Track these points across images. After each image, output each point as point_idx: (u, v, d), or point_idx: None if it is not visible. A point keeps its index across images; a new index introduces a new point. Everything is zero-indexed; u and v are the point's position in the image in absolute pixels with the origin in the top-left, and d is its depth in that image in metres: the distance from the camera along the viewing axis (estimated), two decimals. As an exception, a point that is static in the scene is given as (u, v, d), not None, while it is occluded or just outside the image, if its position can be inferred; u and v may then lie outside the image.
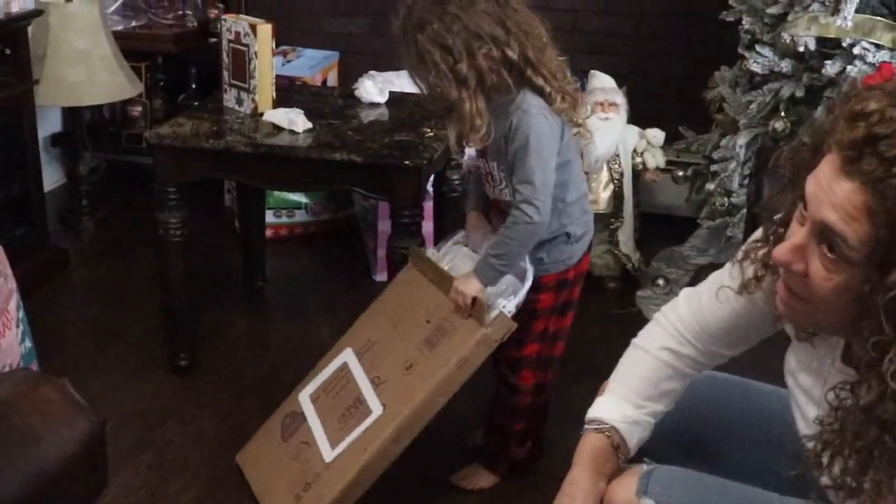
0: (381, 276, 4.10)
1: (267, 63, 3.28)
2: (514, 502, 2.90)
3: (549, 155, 2.53)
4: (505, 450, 2.91)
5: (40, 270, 4.00)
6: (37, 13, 3.96)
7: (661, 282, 4.18)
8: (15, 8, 3.79)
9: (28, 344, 3.22)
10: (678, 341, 1.92)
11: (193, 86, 4.88)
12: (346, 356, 2.85)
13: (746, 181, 3.86)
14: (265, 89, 3.29)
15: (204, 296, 3.78)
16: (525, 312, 2.69)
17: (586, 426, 1.90)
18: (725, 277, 1.85)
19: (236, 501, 2.85)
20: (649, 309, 3.99)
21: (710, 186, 3.93)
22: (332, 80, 4.77)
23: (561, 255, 2.71)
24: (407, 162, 3.00)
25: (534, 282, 2.68)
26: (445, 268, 2.74)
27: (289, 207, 4.43)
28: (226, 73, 3.41)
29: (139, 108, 4.85)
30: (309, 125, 3.17)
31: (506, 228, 2.57)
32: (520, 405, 2.85)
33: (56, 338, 3.62)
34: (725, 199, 3.88)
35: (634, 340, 2.01)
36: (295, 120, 3.17)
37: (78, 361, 3.50)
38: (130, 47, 4.53)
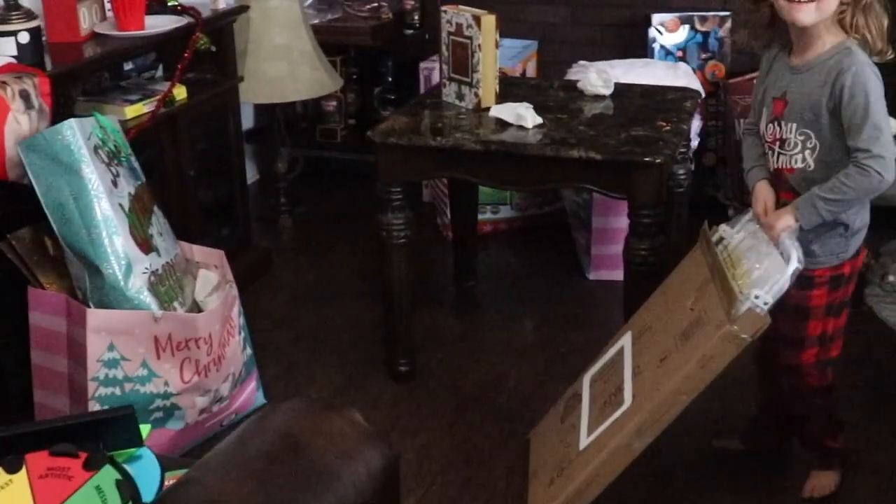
0: (594, 275, 3.93)
1: (491, 56, 3.12)
2: None
3: (883, 109, 2.37)
4: (824, 445, 2.76)
5: (246, 272, 3.92)
6: (242, 9, 3.88)
7: (892, 278, 3.89)
8: (222, 4, 3.71)
9: (248, 351, 3.14)
10: None
11: (390, 79, 4.75)
12: (625, 340, 2.75)
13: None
14: (489, 83, 3.14)
15: (413, 298, 3.65)
16: (798, 313, 2.52)
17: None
18: None
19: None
20: (881, 307, 3.72)
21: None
22: (531, 70, 4.60)
23: (836, 248, 2.51)
24: (647, 158, 2.81)
25: (805, 277, 2.47)
26: (737, 244, 2.55)
27: (493, 203, 4.28)
28: (445, 67, 3.26)
29: (334, 103, 4.75)
30: (539, 120, 3.01)
31: (847, 177, 2.37)
32: (811, 407, 2.69)
33: (268, 342, 3.53)
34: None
35: None
36: (524, 115, 3.00)
37: (293, 367, 3.42)
38: (326, 41, 4.42)
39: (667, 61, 4.24)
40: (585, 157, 2.83)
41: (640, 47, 4.49)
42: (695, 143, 3.94)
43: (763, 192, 2.56)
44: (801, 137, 2.44)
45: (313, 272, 4.11)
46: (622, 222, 3.83)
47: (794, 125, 2.44)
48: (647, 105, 3.20)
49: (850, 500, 2.76)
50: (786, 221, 2.44)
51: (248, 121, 4.84)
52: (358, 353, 3.48)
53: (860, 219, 2.50)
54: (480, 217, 4.24)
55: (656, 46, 4.42)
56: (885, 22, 2.39)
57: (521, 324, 3.67)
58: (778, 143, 2.49)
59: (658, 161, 2.80)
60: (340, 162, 4.88)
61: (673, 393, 2.40)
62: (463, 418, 3.13)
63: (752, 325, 2.33)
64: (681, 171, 3.41)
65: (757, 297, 2.34)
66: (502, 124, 3.04)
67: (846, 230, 2.49)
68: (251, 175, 4.90)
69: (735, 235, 2.56)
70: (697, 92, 3.41)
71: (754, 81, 3.76)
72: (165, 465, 1.81)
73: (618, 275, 3.80)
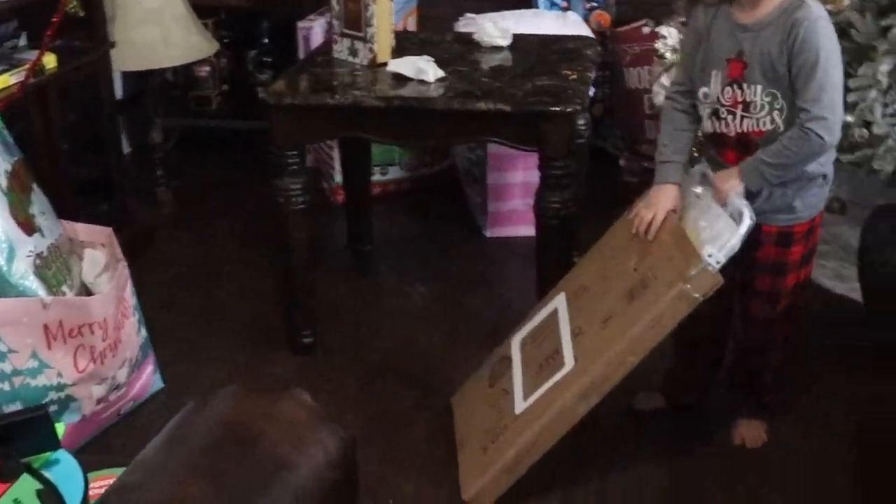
0: (492, 232, 3.84)
1: (386, 8, 2.98)
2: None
3: (840, 71, 2.31)
4: (774, 397, 2.75)
5: (127, 249, 3.67)
6: (109, -31, 3.65)
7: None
8: (86, -36, 3.47)
9: (144, 333, 2.96)
10: None
11: (265, 41, 4.55)
12: (558, 301, 2.66)
13: (888, 109, 3.56)
14: (384, 38, 2.99)
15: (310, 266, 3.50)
16: (779, 270, 2.50)
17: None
18: None
19: (400, 496, 2.58)
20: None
21: (848, 118, 3.62)
22: (412, 26, 4.46)
23: (815, 201, 2.48)
24: (558, 108, 2.71)
25: (785, 234, 2.45)
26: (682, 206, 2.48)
27: (382, 164, 4.13)
28: (336, 23, 3.10)
29: (207, 69, 4.54)
30: (441, 73, 2.88)
31: (790, 140, 2.30)
32: (772, 360, 2.67)
33: (159, 323, 3.32)
34: (865, 130, 3.58)
35: None
36: (424, 69, 2.87)
37: (189, 348, 3.23)
38: (196, 3, 4.19)
39: (555, 11, 4.14)
40: (494, 109, 2.71)
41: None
42: (590, 93, 3.86)
43: (669, 198, 2.49)
44: (768, 98, 2.34)
45: (198, 246, 3.92)
46: (517, 177, 3.76)
47: (759, 87, 2.34)
48: (549, 55, 3.10)
49: (779, 449, 2.72)
50: (732, 184, 2.38)
51: (117, 90, 4.58)
52: (255, 327, 3.32)
53: (832, 166, 2.46)
54: (369, 179, 4.11)
55: (540, -2, 4.32)
56: None
57: (423, 287, 3.55)
58: (741, 106, 2.38)
59: (569, 110, 2.70)
60: (217, 130, 4.66)
61: (621, 353, 2.34)
62: (373, 389, 3.00)
63: (705, 283, 2.29)
64: (581, 122, 3.32)
65: (710, 256, 2.30)
66: (400, 79, 2.90)
67: (824, 179, 2.45)
68: (124, 147, 4.65)
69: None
70: (595, 39, 3.33)
71: (643, 31, 3.69)
72: (85, 465, 1.65)
73: (516, 231, 3.76)
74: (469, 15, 3.85)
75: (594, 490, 2.59)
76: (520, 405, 2.49)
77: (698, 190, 2.48)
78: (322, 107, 2.81)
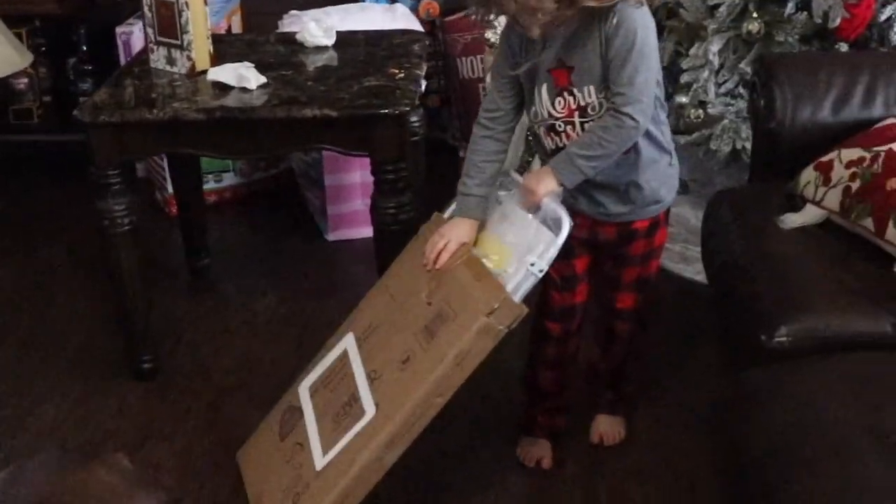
0: (334, 235, 3.74)
1: (201, 13, 2.85)
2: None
3: (654, 52, 2.22)
4: (631, 388, 2.73)
5: (-52, 280, 3.51)
6: None
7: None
8: None
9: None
10: None
11: (84, 48, 4.34)
12: (347, 342, 2.47)
13: (721, 89, 3.58)
14: (201, 44, 2.86)
15: (144, 286, 3.33)
16: (647, 259, 2.48)
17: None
18: None
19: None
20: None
21: (683, 99, 3.63)
22: (237, 25, 4.31)
23: (673, 182, 2.43)
24: (387, 110, 2.62)
25: (654, 223, 2.41)
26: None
27: (215, 171, 3.98)
28: (150, 31, 2.95)
29: (25, 80, 4.30)
30: (263, 80, 2.77)
31: (604, 129, 2.19)
32: (631, 333, 2.62)
33: (-15, 361, 3.15)
34: (700, 110, 3.60)
35: None
36: (245, 75, 2.75)
37: (21, 385, 3.03)
38: (6, 12, 3.97)
39: (382, 4, 4.04)
40: (320, 115, 2.61)
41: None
42: (423, 85, 3.78)
43: (464, 232, 2.34)
44: (602, 94, 2.22)
45: (26, 273, 3.70)
46: (356, 178, 3.68)
47: (592, 87, 2.22)
48: (375, 52, 3.02)
49: (637, 444, 2.70)
50: (548, 185, 2.24)
51: (-71, 110, 4.34)
52: (93, 356, 3.15)
53: (672, 142, 2.41)
54: (204, 187, 3.96)
55: (365, -11, 4.22)
56: None
57: (265, 298, 3.42)
58: (578, 112, 2.26)
59: (398, 112, 2.62)
60: (41, 144, 4.43)
61: (426, 396, 2.19)
62: (222, 411, 2.88)
63: (509, 314, 2.17)
64: (414, 119, 3.24)
65: (532, 265, 2.22)
66: (223, 88, 2.77)
67: (671, 158, 2.39)
68: (-60, 170, 4.41)
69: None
70: (422, 33, 3.26)
71: (472, 19, 3.56)
72: None
73: (358, 232, 3.67)
74: (293, 12, 3.74)
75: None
76: (319, 461, 2.31)
77: (500, 194, 2.38)
78: (141, 122, 2.67)
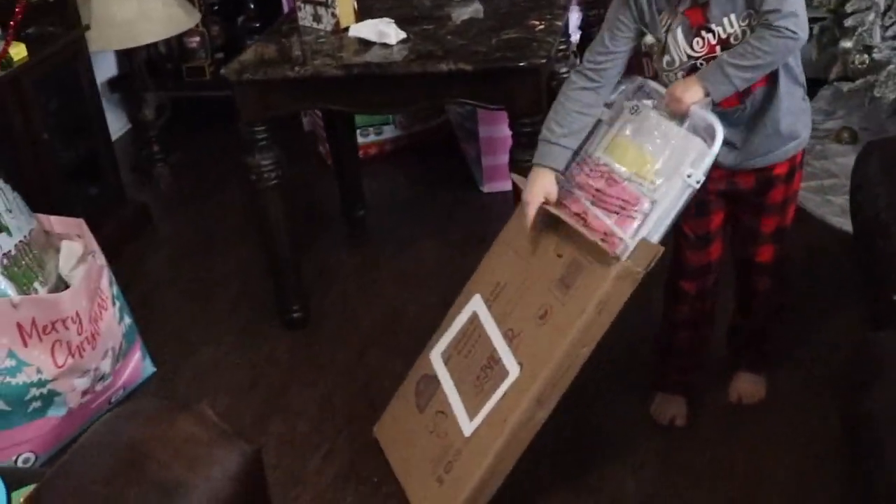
0: (489, 187, 3.75)
1: (345, -30, 2.88)
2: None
3: None
4: (772, 346, 2.67)
5: (123, 230, 3.69)
6: (78, -51, 3.58)
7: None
8: (53, -54, 3.41)
9: (127, 320, 2.92)
10: None
11: (252, 5, 4.47)
12: (475, 304, 2.44)
13: (888, 32, 3.42)
14: (345, 1, 2.90)
15: (302, 236, 3.44)
16: (783, 207, 2.40)
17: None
18: None
19: (382, 477, 2.51)
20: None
21: (847, 44, 3.49)
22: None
23: (806, 117, 2.35)
24: (523, 63, 2.61)
25: (792, 166, 2.34)
26: (620, 138, 2.27)
27: (376, 124, 4.06)
28: (293, -11, 3.02)
29: (197, 39, 4.47)
30: (402, 35, 2.79)
31: (759, 40, 2.11)
32: (773, 288, 2.54)
33: (153, 304, 3.32)
34: (866, 55, 3.44)
35: None
36: (386, 31, 2.78)
37: (182, 329, 3.20)
38: (178, -27, 4.12)
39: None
40: (455, 69, 2.62)
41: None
42: (576, 36, 3.74)
43: (543, 188, 2.28)
44: (746, 22, 2.15)
45: (196, 222, 3.88)
46: (509, 130, 3.65)
47: (733, 16, 2.15)
48: (518, 4, 3.00)
49: (775, 406, 2.64)
50: (695, 93, 2.16)
51: (111, 69, 4.55)
52: (249, 304, 3.28)
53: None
54: (364, 140, 4.05)
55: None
56: None
57: (417, 250, 3.48)
58: (720, 45, 2.18)
59: (534, 65, 2.60)
60: (213, 100, 4.58)
61: (571, 348, 2.15)
62: (363, 361, 2.95)
63: (646, 256, 2.12)
64: (563, 70, 3.22)
65: (689, 176, 2.14)
66: (365, 44, 2.81)
67: (804, 92, 2.31)
68: (122, 125, 4.63)
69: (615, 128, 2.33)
70: (570, -17, 3.20)
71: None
72: (12, 481, 1.62)
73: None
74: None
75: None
76: (467, 426, 2.27)
77: (637, 103, 2.29)
78: (283, 80, 2.73)
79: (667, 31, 2.23)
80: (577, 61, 3.67)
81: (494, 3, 3.03)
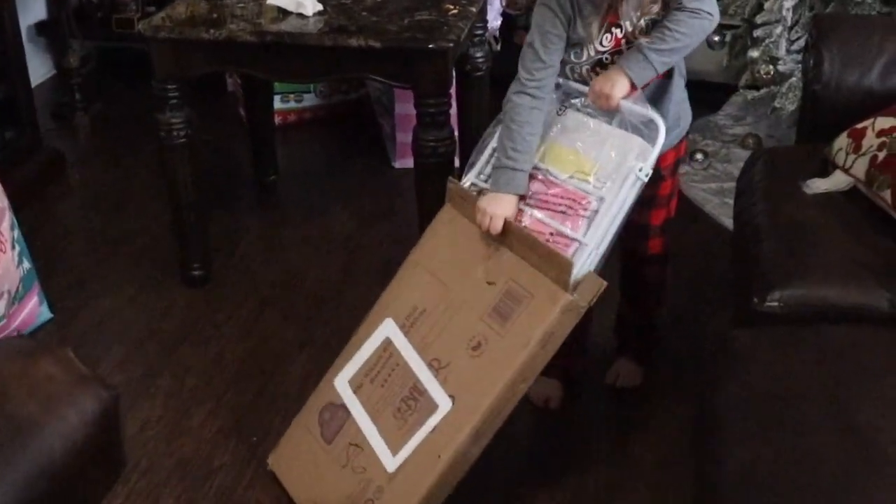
0: (400, 163, 3.83)
1: (269, -61, 2.93)
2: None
3: None
4: (655, 336, 2.77)
5: (35, 176, 3.71)
6: None
7: (699, 156, 3.88)
8: None
9: (26, 265, 2.96)
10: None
11: (185, -38, 4.49)
12: (388, 329, 2.30)
13: (794, 46, 3.54)
14: (269, -31, 2.95)
15: (212, 196, 3.49)
16: (670, 198, 2.49)
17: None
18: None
19: (264, 434, 2.59)
20: (689, 186, 3.72)
21: (754, 54, 3.61)
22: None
23: (686, 105, 2.44)
24: (431, 45, 2.68)
25: (678, 155, 2.43)
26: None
27: (297, 91, 4.12)
28: (222, -48, 3.05)
29: (128, -9, 4.48)
30: (319, 7, 2.85)
31: (679, 23, 2.18)
32: (660, 278, 2.64)
33: (57, 252, 3.36)
34: (771, 66, 3.57)
35: None
36: (303, 2, 2.84)
37: (83, 278, 3.24)
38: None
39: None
40: (365, 45, 2.68)
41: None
42: (496, 23, 3.82)
43: (510, 207, 2.24)
44: (649, 18, 2.24)
45: (111, 173, 3.92)
46: (427, 108, 3.72)
47: (637, 13, 2.23)
48: (437, -15, 3.06)
49: (648, 394, 2.74)
50: (622, 86, 2.21)
51: (40, 12, 4.55)
52: (153, 258, 3.33)
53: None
54: (284, 106, 4.11)
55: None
56: None
57: (324, 218, 3.55)
58: (624, 41, 2.25)
59: (441, 48, 2.68)
60: (140, 53, 4.60)
61: (513, 381, 2.09)
62: (259, 322, 3.02)
63: (591, 290, 2.09)
64: (478, 55, 3.29)
65: (641, 170, 2.17)
66: (283, 13, 2.87)
67: (685, 83, 2.39)
68: (46, 71, 4.63)
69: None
70: (491, -30, 3.28)
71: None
72: None
73: (424, 162, 3.71)
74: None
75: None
76: (391, 462, 2.16)
77: (565, 105, 2.31)
78: (198, 41, 2.79)
79: (589, 29, 2.28)
80: (498, 48, 3.77)
81: (414, -17, 3.10)
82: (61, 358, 1.45)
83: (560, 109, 2.34)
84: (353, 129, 4.14)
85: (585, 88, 2.30)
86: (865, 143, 2.49)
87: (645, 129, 2.22)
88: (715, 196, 3.66)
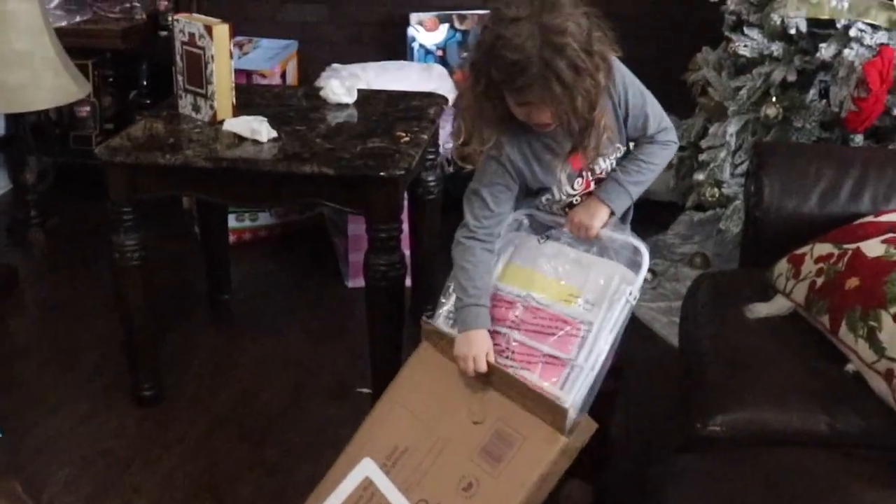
0: (353, 282, 3.87)
1: (225, 67, 3.01)
2: None
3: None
4: (605, 453, 2.75)
5: (-10, 291, 3.73)
6: (-30, 15, 3.66)
7: (647, 275, 3.94)
8: (-54, 11, 3.49)
9: (-23, 384, 2.96)
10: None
11: (144, 83, 4.58)
12: (367, 469, 2.28)
13: (738, 170, 3.64)
14: (224, 95, 3.03)
15: (165, 314, 3.52)
16: None
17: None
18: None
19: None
20: (637, 305, 3.77)
21: (700, 177, 3.71)
22: (292, 71, 4.50)
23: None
24: (383, 173, 2.75)
25: None
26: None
27: (251, 210, 4.16)
28: (180, 78, 3.13)
29: (87, 108, 4.55)
30: (273, 134, 2.91)
31: (651, 155, 2.35)
32: (612, 387, 2.58)
33: (7, 368, 3.35)
34: (716, 189, 3.67)
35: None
36: (258, 129, 2.91)
37: (32, 396, 3.23)
38: (75, 44, 4.21)
39: (423, 63, 4.20)
40: (318, 172, 2.75)
41: (400, 46, 4.44)
42: (448, 146, 3.91)
43: (485, 343, 2.27)
44: (614, 157, 2.37)
45: (64, 290, 3.92)
46: (380, 228, 3.78)
47: (605, 155, 2.34)
48: (390, 114, 3.15)
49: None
50: (602, 216, 2.34)
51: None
52: (105, 377, 3.33)
53: None
54: (239, 224, 4.15)
55: (416, 46, 4.38)
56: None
57: (277, 337, 3.57)
58: (594, 182, 2.38)
59: (393, 176, 2.75)
60: (97, 169, 4.65)
61: None
62: (209, 443, 3.02)
63: (586, 432, 2.15)
64: (430, 179, 3.37)
65: (631, 294, 2.26)
66: (239, 139, 2.93)
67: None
68: (2, 186, 4.67)
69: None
70: (444, 98, 3.37)
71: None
72: None
73: (377, 281, 3.76)
74: (334, 66, 3.90)
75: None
76: None
77: (540, 237, 2.39)
78: (154, 166, 2.84)
79: (553, 179, 2.37)
80: (451, 169, 3.85)
81: (368, 110, 3.18)
82: (7, 491, 1.46)
83: (541, 239, 2.41)
84: (308, 248, 4.19)
85: (560, 220, 2.39)
86: (804, 268, 2.57)
87: (625, 255, 2.32)
88: (663, 315, 3.72)
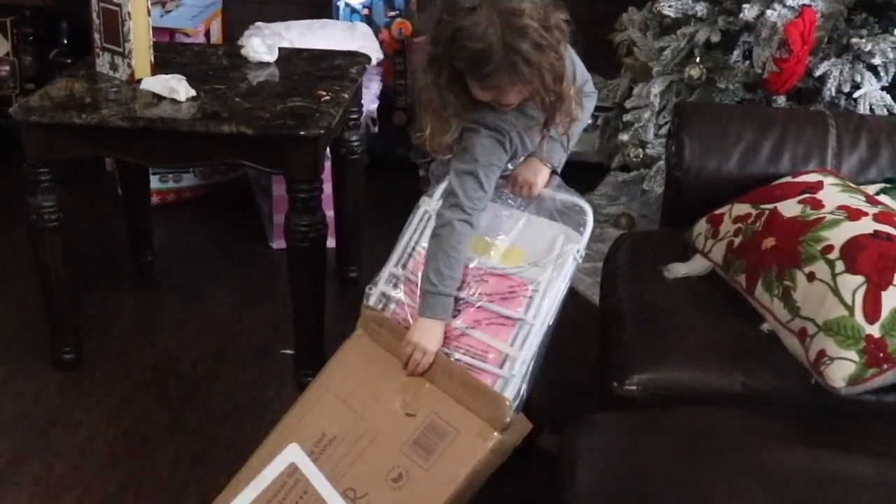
0: (278, 244, 3.83)
1: (143, 25, 2.96)
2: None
3: None
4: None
5: None
6: None
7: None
8: None
9: None
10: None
11: (65, 41, 4.48)
12: (293, 455, 2.22)
13: (662, 130, 3.66)
14: (142, 54, 2.97)
15: (87, 277, 3.48)
16: None
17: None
18: None
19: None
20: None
21: (624, 137, 3.72)
22: (216, 30, 4.43)
23: None
24: (303, 132, 2.73)
25: None
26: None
27: (175, 171, 4.10)
28: (97, 36, 3.07)
29: (7, 68, 4.45)
30: (192, 93, 2.87)
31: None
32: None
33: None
34: (640, 150, 3.68)
35: None
36: (176, 88, 2.86)
37: (-50, 362, 3.17)
38: (-5, 1, 4.13)
39: (346, 22, 4.15)
40: (237, 132, 2.72)
41: (327, 6, 4.39)
42: (373, 106, 3.89)
43: (440, 338, 2.23)
44: None
45: (-19, 252, 3.85)
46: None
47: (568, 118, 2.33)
48: (311, 73, 3.11)
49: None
50: (545, 174, 2.36)
51: (-86, 88, 4.49)
52: (24, 341, 3.27)
53: None
54: (163, 185, 4.10)
55: (342, 5, 4.32)
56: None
57: (201, 300, 3.53)
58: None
59: (312, 135, 2.72)
60: (13, 131, 4.56)
61: None
62: (130, 407, 2.99)
63: (520, 432, 2.16)
64: (353, 139, 3.34)
65: (577, 252, 2.28)
66: (157, 98, 2.89)
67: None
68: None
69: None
70: (366, 56, 3.34)
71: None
72: None
73: (302, 242, 3.73)
74: (257, 24, 3.84)
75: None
76: None
77: None
78: (70, 125, 2.79)
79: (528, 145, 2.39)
80: (376, 129, 3.83)
81: (290, 69, 3.15)
82: None
83: None
84: (232, 209, 4.14)
85: (499, 181, 2.35)
86: (723, 228, 2.59)
87: (566, 214, 2.33)
88: (588, 276, 3.72)
